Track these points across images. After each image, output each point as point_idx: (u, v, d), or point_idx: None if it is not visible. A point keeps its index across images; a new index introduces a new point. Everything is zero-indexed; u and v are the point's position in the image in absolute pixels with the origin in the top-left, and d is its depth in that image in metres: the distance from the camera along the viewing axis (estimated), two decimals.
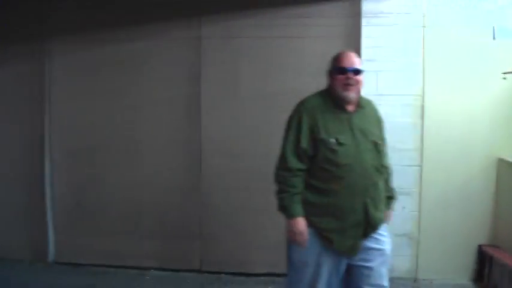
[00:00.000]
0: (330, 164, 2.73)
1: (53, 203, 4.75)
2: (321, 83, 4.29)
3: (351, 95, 2.78)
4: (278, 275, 4.39)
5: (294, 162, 2.78)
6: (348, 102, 2.79)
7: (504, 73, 4.14)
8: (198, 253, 4.59)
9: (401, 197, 4.35)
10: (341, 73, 2.78)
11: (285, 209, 2.81)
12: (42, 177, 4.73)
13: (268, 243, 4.42)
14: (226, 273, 4.55)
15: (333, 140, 2.71)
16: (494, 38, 4.09)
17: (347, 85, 2.76)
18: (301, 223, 2.76)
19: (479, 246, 4.37)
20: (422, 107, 4.34)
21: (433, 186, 4.38)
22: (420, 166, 4.36)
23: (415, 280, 4.43)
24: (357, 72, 2.79)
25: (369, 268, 2.81)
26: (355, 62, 2.81)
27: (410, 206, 4.38)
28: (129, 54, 4.55)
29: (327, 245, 2.77)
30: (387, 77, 4.34)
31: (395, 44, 4.35)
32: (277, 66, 4.41)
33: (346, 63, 2.79)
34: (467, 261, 4.42)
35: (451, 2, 4.32)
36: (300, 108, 2.85)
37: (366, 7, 4.33)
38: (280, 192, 2.84)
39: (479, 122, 4.36)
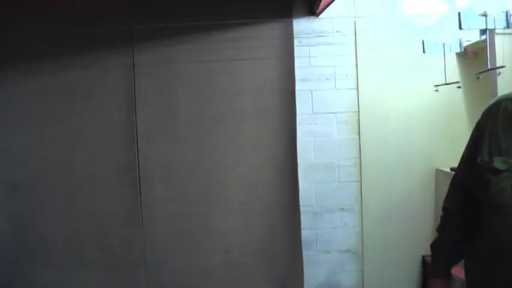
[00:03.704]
0: (484, 205, 1.72)
1: None
2: (258, 103, 4.38)
3: None
4: None
5: (447, 198, 1.93)
6: None
7: (436, 85, 4.24)
8: (143, 281, 4.49)
9: (342, 214, 4.42)
10: None
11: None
12: None
13: (211, 266, 4.41)
14: None
15: (486, 162, 1.63)
16: (424, 52, 4.18)
17: None
18: (435, 285, 1.90)
19: (423, 257, 4.43)
20: (359, 122, 4.40)
21: (373, 200, 4.44)
22: (359, 181, 4.41)
23: None
24: None
25: None
26: None
27: (352, 222, 4.42)
28: (63, 84, 4.44)
29: None
30: (321, 95, 4.41)
31: (328, 63, 4.42)
32: (214, 89, 4.40)
33: None
34: (412, 272, 4.48)
35: (382, 19, 4.43)
36: (482, 114, 1.80)
37: (297, 27, 4.39)
38: None
39: (416, 134, 4.45)
